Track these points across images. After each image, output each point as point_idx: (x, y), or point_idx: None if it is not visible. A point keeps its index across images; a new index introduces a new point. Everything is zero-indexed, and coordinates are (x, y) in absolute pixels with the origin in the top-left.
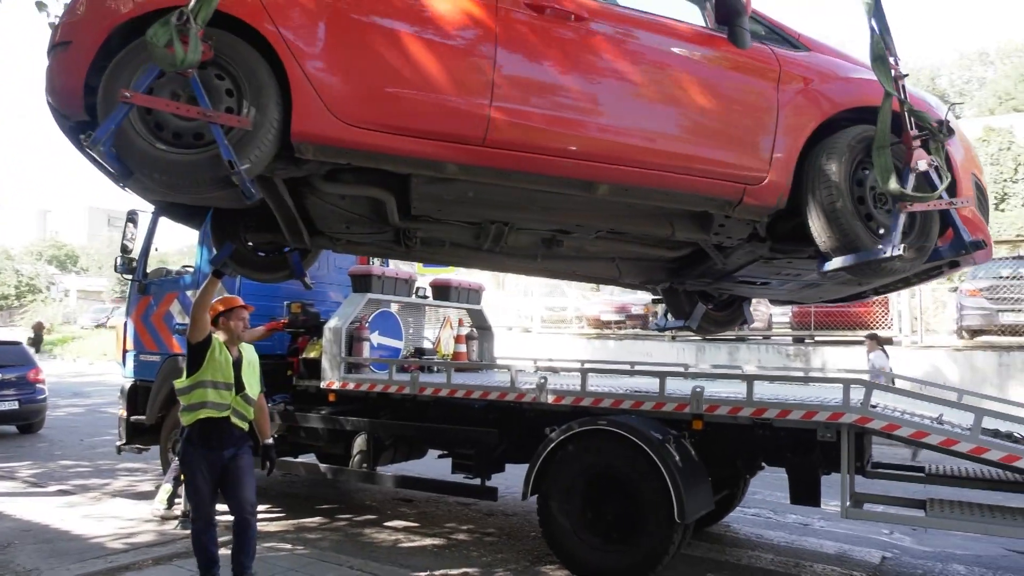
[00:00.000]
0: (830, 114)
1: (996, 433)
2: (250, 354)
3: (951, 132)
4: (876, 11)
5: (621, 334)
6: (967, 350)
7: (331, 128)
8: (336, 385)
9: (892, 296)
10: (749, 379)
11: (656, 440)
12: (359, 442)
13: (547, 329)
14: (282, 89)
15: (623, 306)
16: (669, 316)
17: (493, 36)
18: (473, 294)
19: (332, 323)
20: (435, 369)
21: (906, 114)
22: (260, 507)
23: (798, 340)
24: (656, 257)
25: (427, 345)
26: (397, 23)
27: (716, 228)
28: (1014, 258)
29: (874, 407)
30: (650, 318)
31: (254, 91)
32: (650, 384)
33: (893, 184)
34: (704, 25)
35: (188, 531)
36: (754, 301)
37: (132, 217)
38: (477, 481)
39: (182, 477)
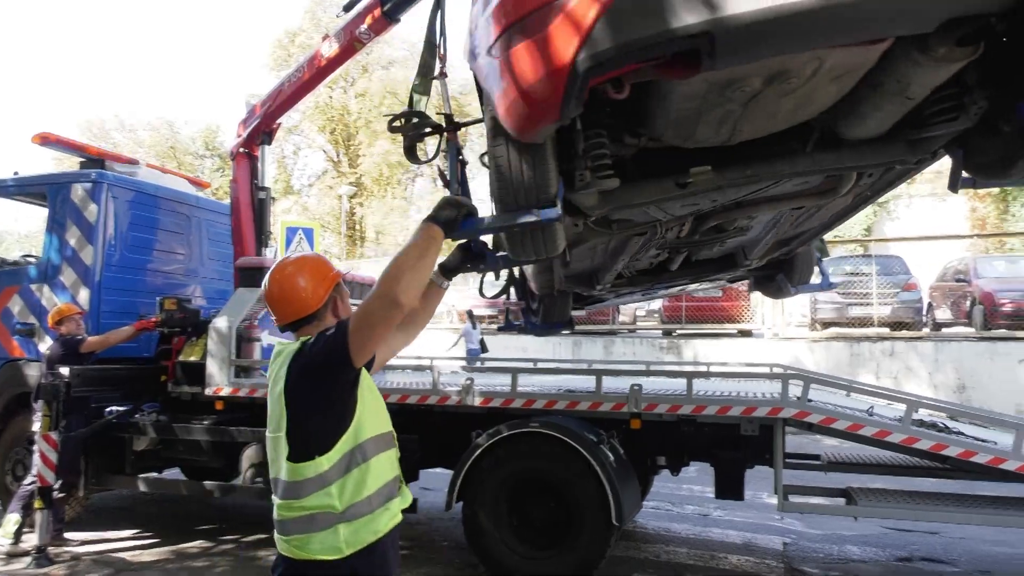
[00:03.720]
0: None
1: (921, 423)
2: None
3: None
4: None
5: (496, 329)
6: (823, 341)
7: None
8: (225, 391)
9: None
10: (688, 375)
11: (591, 442)
12: (250, 454)
13: None
14: None
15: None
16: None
17: None
18: (368, 289)
19: (219, 322)
20: None
21: None
22: (126, 532)
23: (667, 333)
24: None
25: None
26: None
27: None
28: (859, 256)
29: (810, 401)
30: (522, 314)
31: None
32: (570, 382)
33: None
34: None
35: (43, 570)
36: None
37: None
38: None
39: (36, 506)
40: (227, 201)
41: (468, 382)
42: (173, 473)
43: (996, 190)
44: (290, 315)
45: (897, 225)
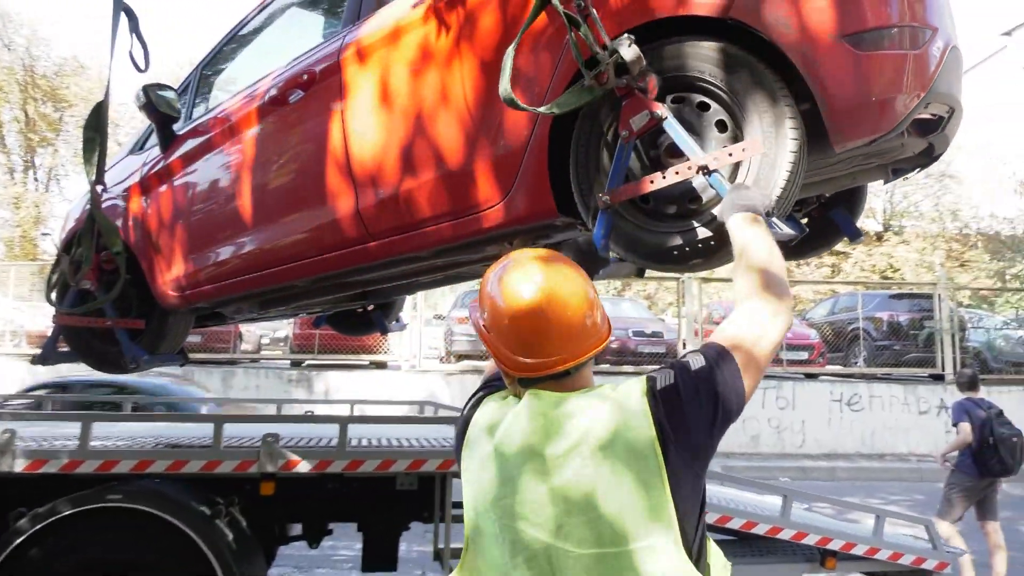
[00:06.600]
0: None
1: None
2: None
3: None
4: None
5: (31, 360)
6: (458, 374)
7: None
8: None
9: None
10: (342, 421)
11: (201, 516)
12: None
13: None
14: None
15: None
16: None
17: None
18: None
19: None
20: None
21: None
22: None
23: (296, 364)
24: None
25: None
26: None
27: None
28: None
29: None
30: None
31: None
32: (175, 431)
33: None
34: None
35: None
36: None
37: None
38: None
39: None
40: None
41: (6, 436)
42: None
43: None
44: (585, 350)
45: None
